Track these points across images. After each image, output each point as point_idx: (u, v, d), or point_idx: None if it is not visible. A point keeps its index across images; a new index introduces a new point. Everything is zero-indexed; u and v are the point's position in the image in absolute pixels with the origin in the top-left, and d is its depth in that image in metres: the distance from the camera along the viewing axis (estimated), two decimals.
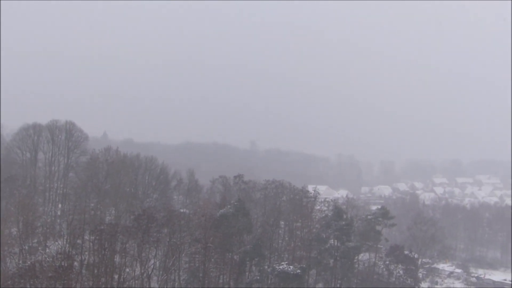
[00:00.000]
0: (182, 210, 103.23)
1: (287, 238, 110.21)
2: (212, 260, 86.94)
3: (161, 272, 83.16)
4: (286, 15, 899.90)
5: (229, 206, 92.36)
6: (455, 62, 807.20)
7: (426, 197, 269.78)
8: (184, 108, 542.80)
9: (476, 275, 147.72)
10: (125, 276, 76.32)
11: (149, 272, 79.92)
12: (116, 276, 75.18)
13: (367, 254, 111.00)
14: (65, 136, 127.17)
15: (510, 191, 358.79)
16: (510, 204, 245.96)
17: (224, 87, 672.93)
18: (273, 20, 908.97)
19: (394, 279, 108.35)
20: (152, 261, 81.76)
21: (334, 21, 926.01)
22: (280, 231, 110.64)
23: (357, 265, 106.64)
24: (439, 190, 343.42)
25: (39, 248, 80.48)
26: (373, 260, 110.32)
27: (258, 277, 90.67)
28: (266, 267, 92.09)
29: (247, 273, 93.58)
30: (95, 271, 73.85)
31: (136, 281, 78.24)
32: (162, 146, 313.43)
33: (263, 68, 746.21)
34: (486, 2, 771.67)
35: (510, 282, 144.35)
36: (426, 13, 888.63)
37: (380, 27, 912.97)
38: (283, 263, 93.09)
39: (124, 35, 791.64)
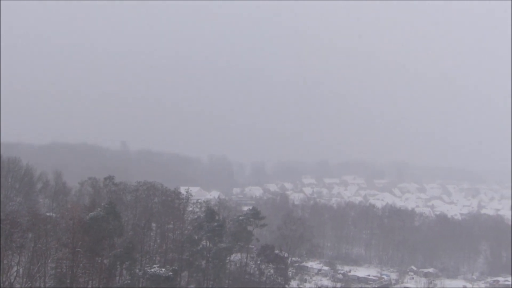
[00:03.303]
0: (48, 214, 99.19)
1: (158, 241, 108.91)
2: (81, 265, 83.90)
3: (25, 280, 79.08)
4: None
5: (99, 209, 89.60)
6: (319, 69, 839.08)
7: (295, 197, 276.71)
8: (52, 106, 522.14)
9: (342, 271, 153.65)
10: None
11: (12, 280, 75.81)
12: None
13: (238, 254, 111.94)
14: None
15: (373, 191, 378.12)
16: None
17: (94, 85, 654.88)
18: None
19: (265, 279, 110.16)
20: (15, 268, 77.60)
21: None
22: (151, 234, 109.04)
23: (229, 266, 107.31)
24: (308, 190, 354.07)
25: None
26: (245, 260, 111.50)
27: (129, 281, 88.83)
28: (137, 270, 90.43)
29: (117, 277, 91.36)
30: None
31: None
32: (27, 146, 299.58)
33: (129, 68, 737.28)
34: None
35: (373, 277, 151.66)
36: None
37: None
38: (154, 266, 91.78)
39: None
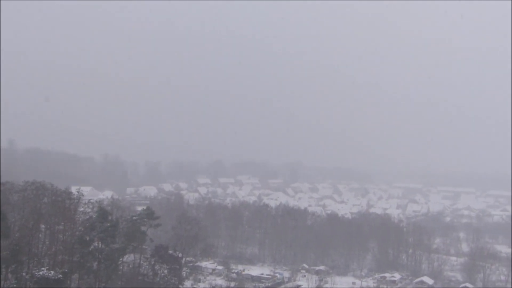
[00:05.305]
0: None
1: (48, 242, 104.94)
2: None
3: None
4: None
5: None
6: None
7: (190, 197, 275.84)
8: None
9: (236, 271, 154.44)
10: None
11: None
12: None
13: (132, 255, 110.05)
14: None
15: (267, 191, 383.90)
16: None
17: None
18: None
19: (159, 279, 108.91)
20: None
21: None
22: (40, 235, 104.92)
23: (121, 267, 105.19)
24: (202, 190, 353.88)
25: None
26: (138, 261, 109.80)
27: (15, 285, 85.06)
28: (24, 273, 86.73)
29: (2, 282, 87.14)
30: None
31: None
32: None
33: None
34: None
35: (267, 276, 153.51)
36: None
37: None
38: (43, 268, 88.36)
39: None
